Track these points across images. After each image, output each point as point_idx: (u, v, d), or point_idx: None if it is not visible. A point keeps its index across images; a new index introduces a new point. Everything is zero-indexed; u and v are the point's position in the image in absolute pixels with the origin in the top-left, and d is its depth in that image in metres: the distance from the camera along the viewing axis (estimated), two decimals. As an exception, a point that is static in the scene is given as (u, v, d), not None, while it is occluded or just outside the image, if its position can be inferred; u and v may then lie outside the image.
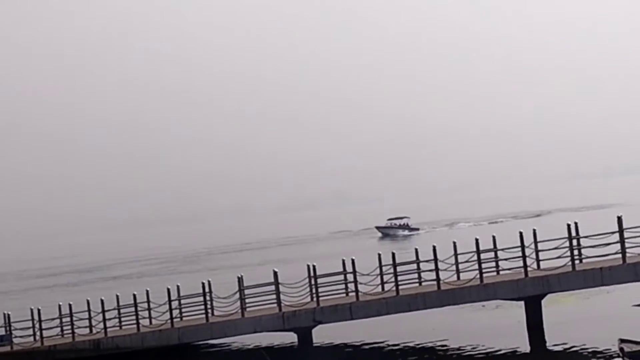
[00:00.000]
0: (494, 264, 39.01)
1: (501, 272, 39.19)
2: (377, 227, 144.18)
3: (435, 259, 38.01)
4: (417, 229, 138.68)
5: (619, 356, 28.68)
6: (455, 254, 39.51)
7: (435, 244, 38.31)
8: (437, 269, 37.95)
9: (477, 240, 37.97)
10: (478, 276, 37.69)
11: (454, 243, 39.51)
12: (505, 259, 38.58)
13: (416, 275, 39.96)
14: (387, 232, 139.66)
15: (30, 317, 44.06)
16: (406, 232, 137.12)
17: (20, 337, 44.36)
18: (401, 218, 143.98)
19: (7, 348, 44.12)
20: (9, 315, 44.93)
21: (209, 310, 40.61)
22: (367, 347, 38.28)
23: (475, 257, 37.92)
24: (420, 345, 37.39)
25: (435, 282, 38.09)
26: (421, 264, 39.69)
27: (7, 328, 44.76)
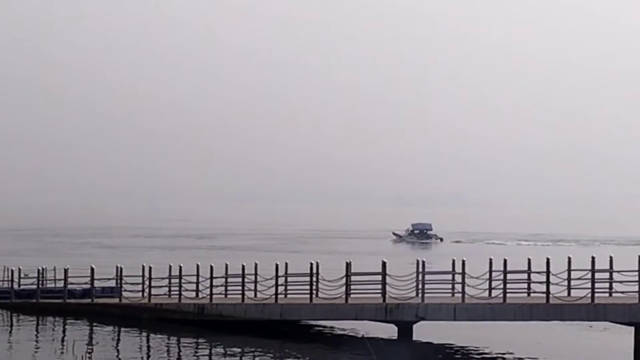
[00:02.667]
0: (607, 284, 38.16)
1: (614, 295, 38.26)
2: (394, 233, 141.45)
3: (548, 272, 37.34)
4: (439, 239, 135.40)
5: None
6: (569, 270, 38.75)
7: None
8: (548, 282, 37.27)
9: (593, 258, 37.12)
10: (589, 295, 36.87)
11: (569, 258, 38.76)
12: (620, 282, 37.64)
13: (525, 285, 39.41)
14: (402, 238, 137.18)
15: (140, 274, 45.15)
16: (423, 240, 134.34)
17: (130, 291, 45.53)
18: (423, 225, 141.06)
19: (116, 300, 45.37)
20: (121, 268, 46.18)
21: (314, 291, 40.85)
22: (466, 350, 37.84)
23: (589, 276, 37.12)
24: (522, 358, 36.77)
25: (544, 295, 37.41)
26: (532, 275, 39.09)
27: (119, 281, 46.02)
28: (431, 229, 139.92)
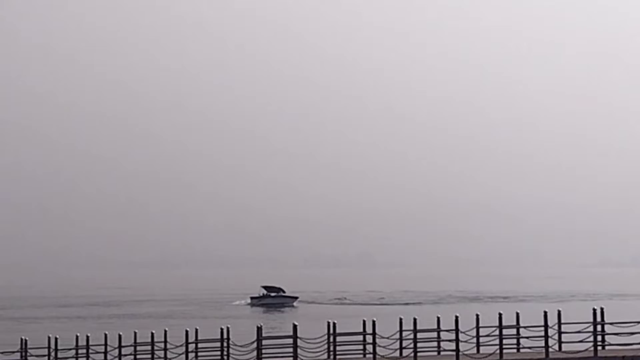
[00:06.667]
0: (514, 340, 38.75)
1: (521, 350, 38.82)
2: (251, 297, 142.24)
3: (457, 330, 37.72)
4: (292, 301, 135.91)
5: None
6: (477, 327, 39.22)
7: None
8: (457, 340, 37.64)
9: (500, 315, 37.66)
10: (498, 351, 37.34)
11: (477, 316, 39.24)
12: (527, 337, 38.24)
13: (436, 344, 39.77)
14: (258, 301, 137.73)
15: (47, 345, 44.10)
16: (277, 302, 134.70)
17: (35, 364, 44.39)
18: (275, 289, 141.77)
19: (21, 373, 44.17)
20: (26, 340, 45.05)
21: (225, 357, 40.45)
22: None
23: (497, 332, 37.64)
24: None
25: (454, 353, 37.76)
26: (441, 334, 39.47)
27: (23, 354, 44.86)
28: (284, 292, 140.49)
